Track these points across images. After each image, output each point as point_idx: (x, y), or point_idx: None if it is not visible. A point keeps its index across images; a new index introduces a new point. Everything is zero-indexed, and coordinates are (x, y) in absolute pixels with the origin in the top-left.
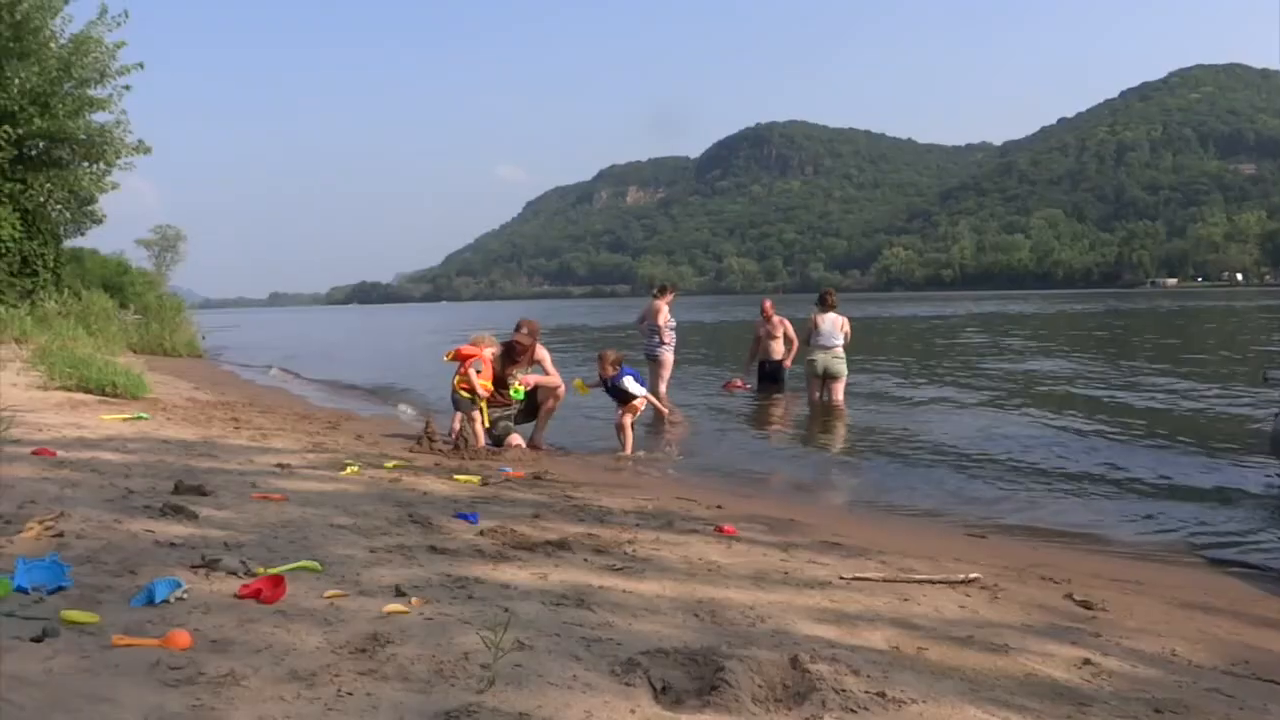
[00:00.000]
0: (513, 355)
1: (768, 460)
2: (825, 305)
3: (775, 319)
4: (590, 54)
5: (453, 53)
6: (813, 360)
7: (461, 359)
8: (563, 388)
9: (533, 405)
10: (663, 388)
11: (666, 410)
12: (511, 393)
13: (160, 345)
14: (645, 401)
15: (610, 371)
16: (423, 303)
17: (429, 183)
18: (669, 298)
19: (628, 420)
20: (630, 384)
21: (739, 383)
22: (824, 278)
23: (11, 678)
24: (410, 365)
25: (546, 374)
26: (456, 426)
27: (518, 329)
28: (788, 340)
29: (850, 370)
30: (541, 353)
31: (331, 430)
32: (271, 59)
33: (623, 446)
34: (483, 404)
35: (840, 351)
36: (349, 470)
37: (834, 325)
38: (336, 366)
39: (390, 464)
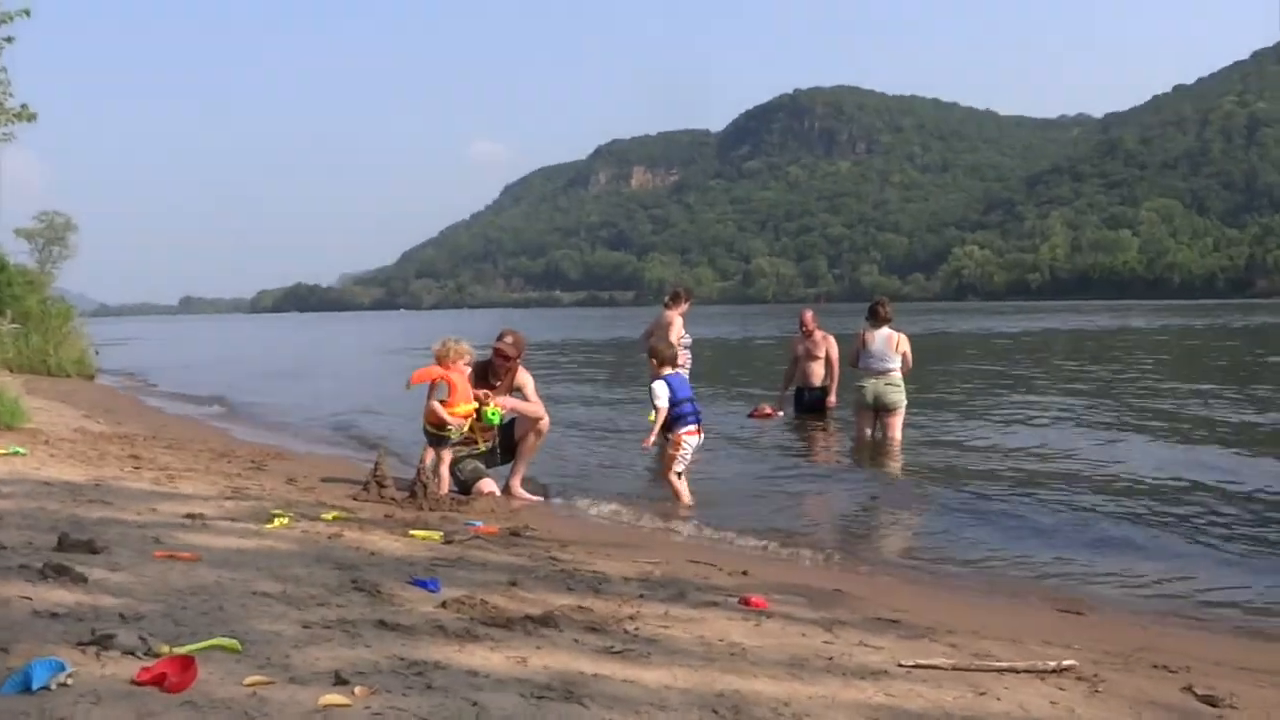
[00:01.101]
0: (493, 372)
1: (806, 511)
2: (877, 319)
3: (818, 334)
4: (588, 2)
5: (416, 2)
6: (861, 387)
7: (431, 384)
8: (546, 420)
9: (509, 443)
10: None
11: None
12: (487, 414)
13: (43, 363)
14: (687, 437)
15: (655, 370)
16: (374, 310)
17: (383, 162)
18: (683, 308)
19: (666, 471)
20: (656, 387)
21: (769, 409)
22: (878, 284)
23: None
24: (363, 389)
25: (532, 400)
26: (428, 461)
27: (500, 339)
28: (830, 363)
29: (909, 400)
30: (523, 377)
31: (256, 471)
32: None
33: (676, 497)
34: (475, 434)
35: (896, 377)
36: (277, 522)
37: (887, 344)
38: (265, 387)
39: (329, 515)
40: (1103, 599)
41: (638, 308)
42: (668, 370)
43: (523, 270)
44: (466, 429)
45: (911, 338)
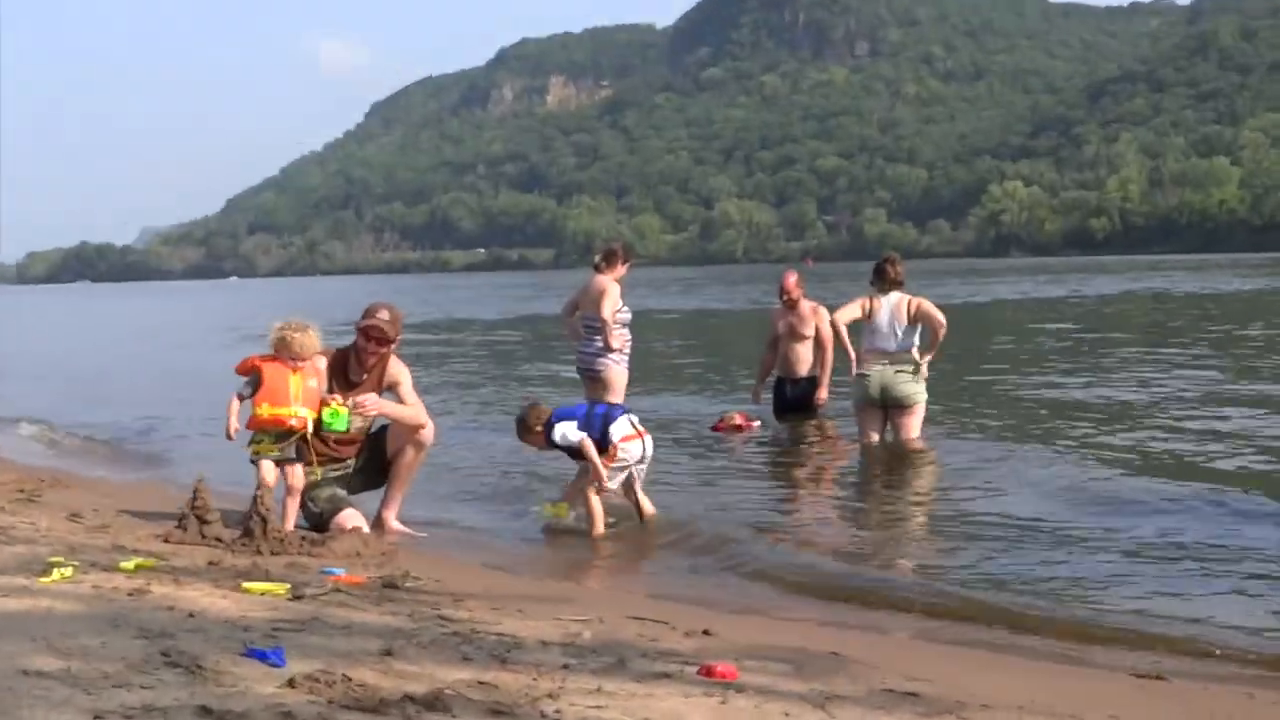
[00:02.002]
0: (358, 362)
1: (790, 547)
2: (885, 282)
3: (805, 305)
4: None
5: None
6: (864, 377)
7: (257, 373)
8: (429, 429)
9: (379, 460)
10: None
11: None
12: (326, 417)
13: None
14: (614, 458)
15: (538, 439)
16: (191, 279)
17: (196, 76)
18: (620, 271)
19: (584, 488)
20: (561, 432)
21: (739, 419)
22: (887, 235)
23: None
24: (177, 391)
25: (403, 404)
26: (270, 480)
27: (369, 315)
28: (822, 344)
29: (932, 393)
30: (397, 370)
31: (25, 505)
32: None
33: (591, 525)
34: (323, 448)
35: (914, 364)
36: (57, 574)
37: (899, 314)
38: (35, 390)
39: (130, 563)
40: (1191, 652)
41: (558, 271)
42: (553, 414)
43: (398, 221)
44: (301, 436)
45: (938, 305)
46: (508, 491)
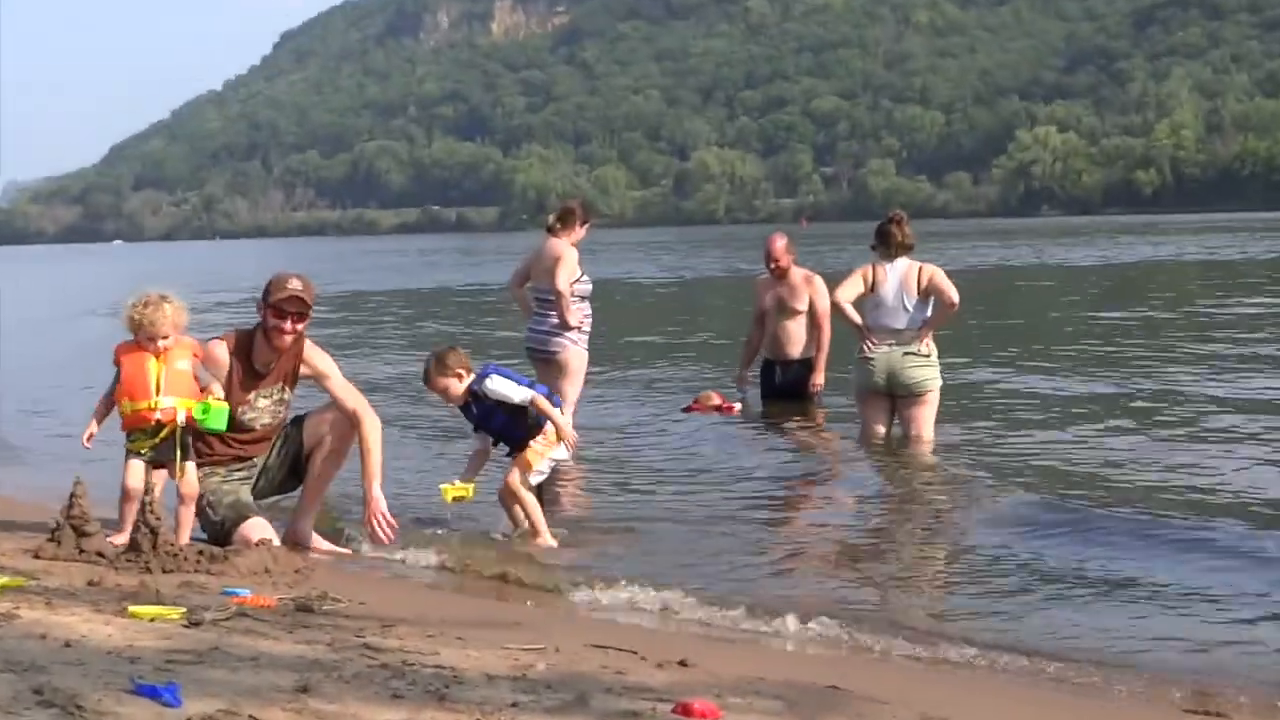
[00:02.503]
0: (268, 346)
1: (781, 560)
2: (890, 245)
3: (797, 275)
4: None
5: None
6: (868, 361)
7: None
8: (368, 421)
9: (293, 462)
10: (567, 412)
11: (570, 443)
12: (197, 414)
13: None
14: (551, 437)
15: (457, 386)
16: (65, 243)
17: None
18: (578, 233)
19: (516, 481)
20: (499, 384)
21: (718, 400)
22: (895, 191)
23: None
24: (48, 377)
25: (339, 396)
26: (133, 484)
27: (278, 287)
28: (818, 321)
29: (947, 376)
30: (318, 359)
31: None
32: None
33: (513, 524)
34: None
35: (923, 345)
36: None
37: (908, 284)
38: None
39: None
40: (1256, 683)
41: (504, 235)
42: (486, 366)
43: (314, 175)
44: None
45: (950, 274)
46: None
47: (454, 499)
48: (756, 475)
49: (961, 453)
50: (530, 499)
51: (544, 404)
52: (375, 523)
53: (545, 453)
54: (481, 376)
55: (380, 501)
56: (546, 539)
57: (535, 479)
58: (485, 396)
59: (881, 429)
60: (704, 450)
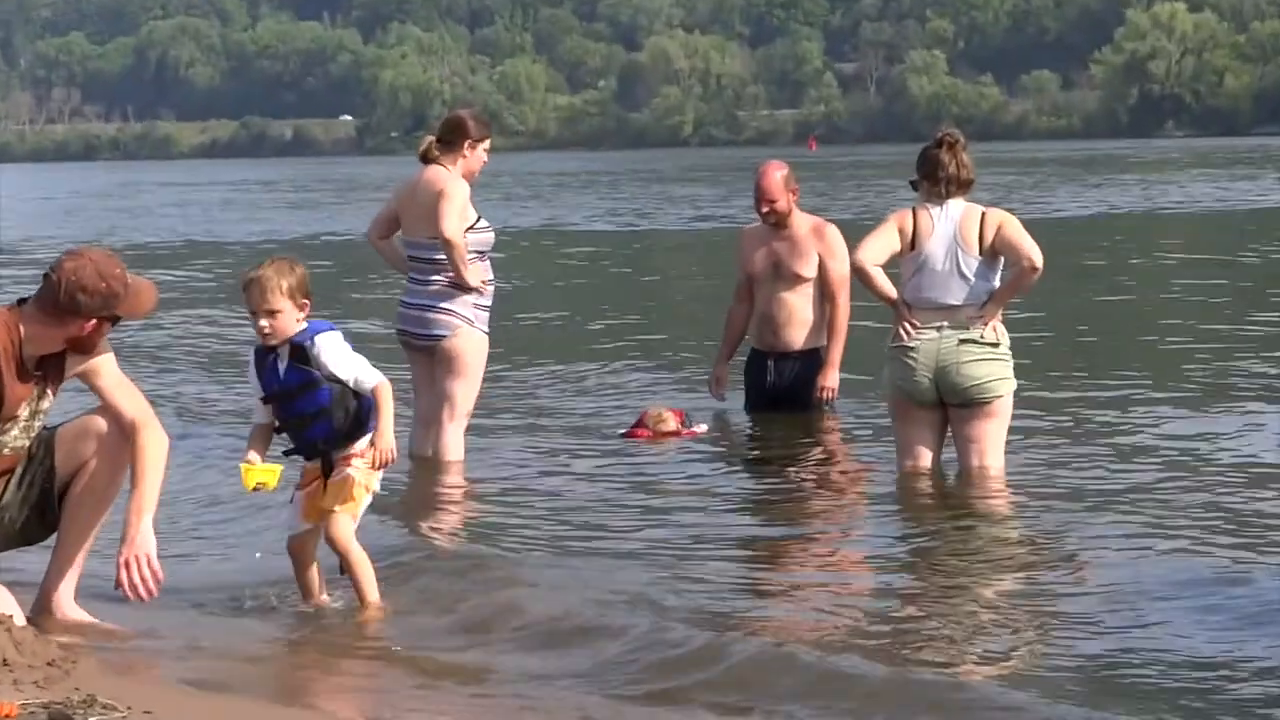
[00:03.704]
0: (43, 333)
1: (749, 635)
2: (939, 181)
3: (799, 224)
4: None
5: None
6: (907, 353)
7: None
8: (153, 435)
9: (41, 500)
10: (449, 429)
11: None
12: None
13: None
14: (378, 444)
15: (292, 320)
16: None
17: None
18: (470, 159)
19: (345, 533)
20: (336, 347)
21: (672, 421)
22: (946, 95)
23: None
24: None
25: (114, 399)
26: None
27: (70, 263)
28: (832, 291)
29: (1023, 379)
30: (96, 356)
31: None
32: None
33: (305, 594)
34: None
35: (988, 329)
36: None
37: (965, 239)
38: None
39: None
40: None
41: (363, 160)
42: (310, 325)
43: (80, 68)
44: None
45: (1023, 222)
46: (241, 535)
47: (256, 485)
48: (727, 535)
49: (1052, 491)
50: (363, 556)
51: (385, 399)
52: (130, 570)
53: (371, 483)
54: (314, 330)
55: (147, 543)
56: (374, 597)
57: (363, 507)
58: (308, 358)
59: (926, 455)
60: (646, 497)
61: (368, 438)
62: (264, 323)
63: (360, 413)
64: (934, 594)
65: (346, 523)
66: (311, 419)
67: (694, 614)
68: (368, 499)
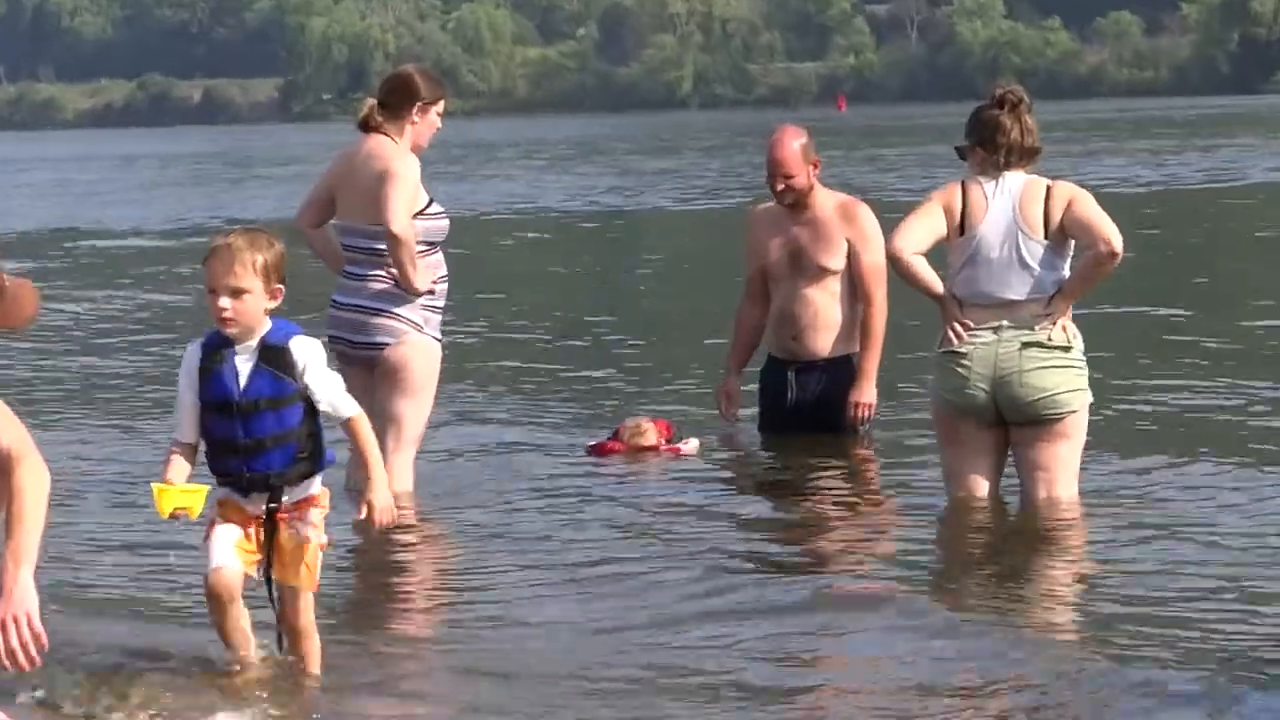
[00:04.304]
0: None
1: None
2: (997, 148)
3: (823, 206)
4: None
5: None
6: (958, 360)
7: None
8: (32, 469)
9: None
10: (394, 458)
11: (384, 520)
12: None
13: None
14: (325, 505)
15: (261, 304)
16: None
17: None
18: (420, 127)
19: (309, 618)
20: (317, 354)
21: (650, 435)
22: (1004, 40)
23: None
24: None
25: None
26: None
27: None
28: (865, 287)
29: (1103, 389)
30: None
31: None
32: None
33: (233, 645)
34: None
35: (1056, 329)
36: None
37: (1027, 219)
38: None
39: None
40: None
41: (288, 127)
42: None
43: None
44: None
45: (1097, 195)
46: (148, 601)
47: (174, 511)
48: (722, 608)
49: (1144, 527)
50: (318, 643)
51: (367, 436)
52: (8, 633)
53: (325, 539)
54: (290, 330)
55: (27, 599)
56: (313, 661)
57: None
58: (283, 364)
59: (981, 485)
60: (618, 524)
61: (318, 480)
62: (225, 303)
63: (319, 443)
64: (992, 669)
65: (309, 603)
66: (272, 444)
67: None
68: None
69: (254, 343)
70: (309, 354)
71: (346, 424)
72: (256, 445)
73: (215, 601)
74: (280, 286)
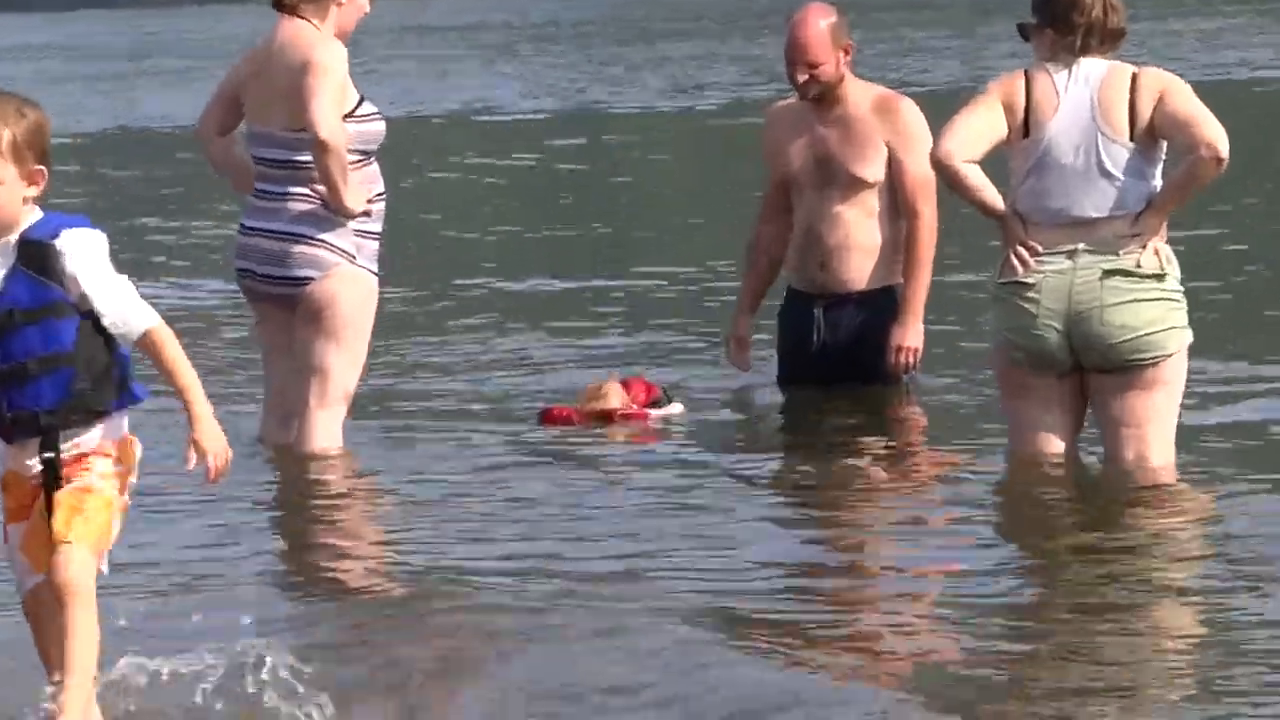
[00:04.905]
0: None
1: None
2: (1072, 28)
3: (855, 100)
4: None
5: None
6: (1023, 292)
7: None
8: None
9: None
10: (318, 415)
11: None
12: None
13: None
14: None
15: (20, 192)
16: None
17: None
18: (349, 10)
19: (80, 572)
20: (93, 247)
21: (614, 397)
22: None
23: None
24: None
25: None
26: None
27: None
28: (910, 203)
29: (1198, 325)
30: None
31: None
32: None
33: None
34: None
35: (1147, 253)
36: None
37: (1106, 115)
38: None
39: None
40: None
41: (179, 11)
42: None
43: None
44: None
45: (1192, 84)
46: None
47: None
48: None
49: (1256, 498)
50: (94, 614)
51: (174, 356)
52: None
53: (123, 499)
54: (61, 222)
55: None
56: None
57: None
58: (46, 265)
59: (1053, 446)
60: (589, 508)
61: (118, 421)
62: None
63: (112, 374)
64: (1063, 668)
65: (85, 560)
66: (38, 369)
67: None
68: (118, 524)
69: (12, 239)
70: (82, 250)
71: (144, 341)
72: (17, 371)
73: (32, 622)
74: (40, 168)
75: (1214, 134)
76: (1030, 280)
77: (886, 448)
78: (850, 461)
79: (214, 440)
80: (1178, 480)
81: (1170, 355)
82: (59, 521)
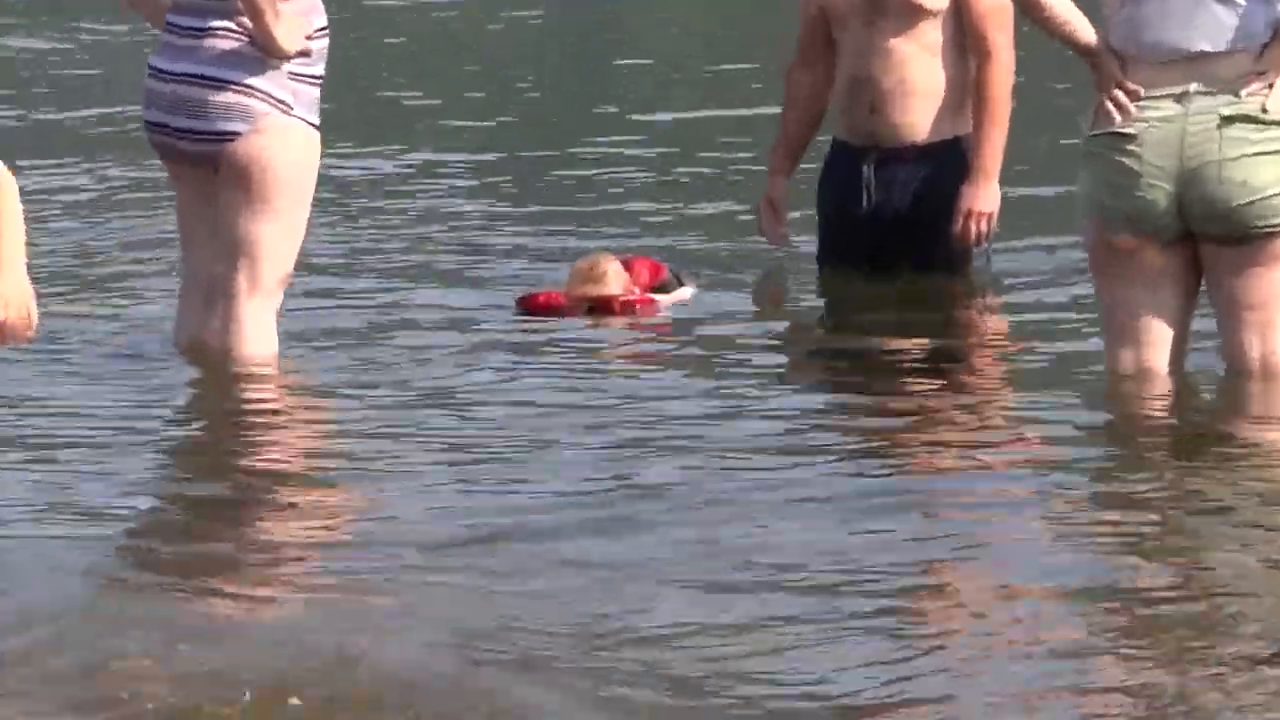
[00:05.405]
0: None
1: None
2: None
3: None
4: None
5: None
6: (1123, 145)
7: None
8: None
9: None
10: (246, 304)
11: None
12: None
13: None
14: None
15: None
16: None
17: None
18: None
19: None
20: None
21: (608, 282)
22: None
23: None
24: None
25: None
26: None
27: None
28: (977, 39)
29: None
30: None
31: None
32: None
33: None
34: None
35: (1271, 95)
36: None
37: None
38: None
39: None
40: None
41: None
42: None
43: None
44: None
45: None
46: None
47: None
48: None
49: None
50: None
51: (8, 201)
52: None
53: None
54: None
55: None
56: None
57: None
58: None
59: (1160, 337)
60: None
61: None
62: None
63: None
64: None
65: None
66: None
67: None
68: None
69: None
70: None
71: None
72: None
73: None
74: None
75: None
76: (1131, 130)
77: (952, 345)
78: (905, 365)
79: (15, 291)
80: None
81: None
82: None
